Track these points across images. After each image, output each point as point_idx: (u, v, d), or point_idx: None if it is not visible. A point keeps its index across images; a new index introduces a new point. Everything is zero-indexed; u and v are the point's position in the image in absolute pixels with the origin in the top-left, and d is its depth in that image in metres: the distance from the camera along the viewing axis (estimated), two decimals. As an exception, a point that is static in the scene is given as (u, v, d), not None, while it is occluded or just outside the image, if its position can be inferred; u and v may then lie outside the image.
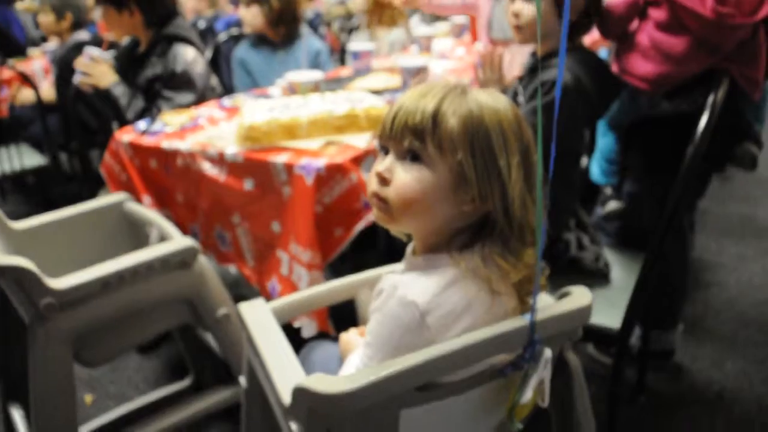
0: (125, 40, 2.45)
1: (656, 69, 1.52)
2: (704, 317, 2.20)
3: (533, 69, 1.53)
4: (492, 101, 0.79)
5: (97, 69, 2.24)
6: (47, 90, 3.25)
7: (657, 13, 1.52)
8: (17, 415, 1.60)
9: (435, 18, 3.81)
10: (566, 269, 1.53)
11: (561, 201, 1.53)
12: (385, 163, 0.80)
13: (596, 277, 1.57)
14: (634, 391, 1.83)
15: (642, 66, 1.54)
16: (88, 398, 1.95)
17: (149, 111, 2.21)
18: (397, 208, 0.79)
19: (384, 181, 0.80)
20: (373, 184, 0.81)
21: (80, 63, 2.25)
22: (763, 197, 3.21)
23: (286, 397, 0.80)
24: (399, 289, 0.77)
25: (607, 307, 1.46)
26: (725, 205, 3.13)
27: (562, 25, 1.52)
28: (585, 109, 1.47)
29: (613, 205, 1.69)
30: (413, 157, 0.78)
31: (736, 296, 2.32)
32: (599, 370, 1.92)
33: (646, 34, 1.54)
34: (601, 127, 1.80)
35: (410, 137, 0.77)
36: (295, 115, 1.67)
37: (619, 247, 1.70)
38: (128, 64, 2.33)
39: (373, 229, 1.55)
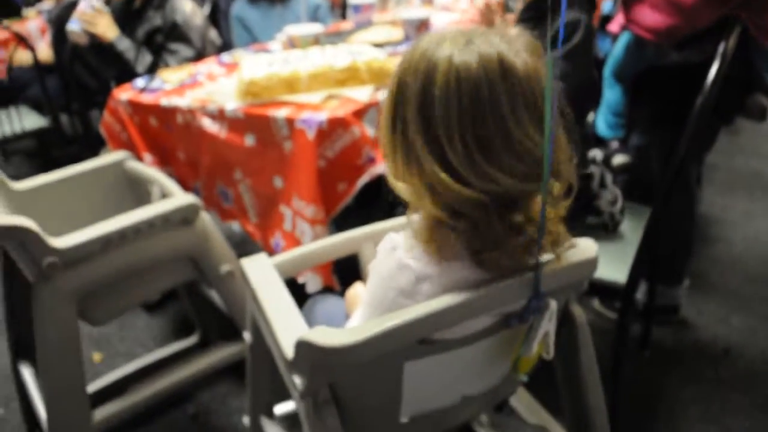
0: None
1: (666, 21, 1.47)
2: (710, 273, 2.19)
3: (542, 14, 1.47)
4: (449, 53, 0.69)
5: (103, 20, 2.16)
6: (44, 51, 3.20)
7: None
8: (27, 373, 1.62)
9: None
10: (579, 211, 1.51)
11: (582, 136, 1.51)
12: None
13: (603, 231, 1.55)
14: (638, 345, 1.84)
15: (651, 17, 1.49)
16: (97, 356, 1.97)
17: (157, 66, 2.17)
18: (396, 180, 0.78)
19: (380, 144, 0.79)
20: None
21: (81, 13, 2.15)
22: (772, 152, 3.18)
23: (289, 351, 0.79)
24: (397, 250, 0.76)
25: (613, 261, 1.45)
26: (733, 160, 3.09)
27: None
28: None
29: (619, 158, 1.66)
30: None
31: (742, 252, 2.31)
32: (604, 324, 1.93)
33: None
34: (607, 79, 1.76)
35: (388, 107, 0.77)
36: (295, 68, 1.64)
37: (625, 201, 1.68)
38: (124, 19, 2.27)
39: (378, 183, 1.53)
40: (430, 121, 0.68)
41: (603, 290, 1.44)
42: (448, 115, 0.66)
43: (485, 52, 0.67)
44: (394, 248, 0.77)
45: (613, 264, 1.44)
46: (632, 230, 1.56)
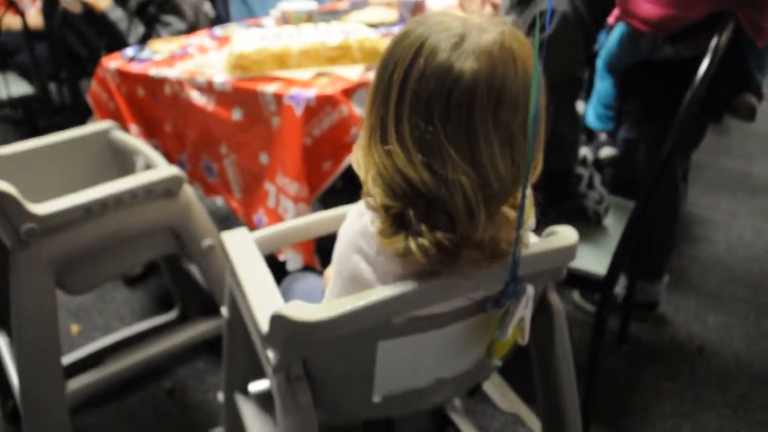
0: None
1: (660, 11, 1.46)
2: (691, 271, 2.21)
3: (521, 0, 1.47)
4: (414, 26, 0.69)
5: None
6: (34, 16, 3.14)
7: None
8: (1, 341, 1.61)
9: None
10: (567, 205, 1.52)
11: (570, 134, 1.51)
12: None
13: (588, 222, 1.56)
14: (616, 340, 1.85)
15: (645, 8, 1.48)
16: (75, 328, 1.96)
17: (149, 37, 2.14)
18: None
19: None
20: None
21: None
22: (759, 154, 3.19)
23: (264, 325, 0.79)
24: (364, 216, 0.76)
25: (595, 253, 1.46)
26: (720, 160, 3.11)
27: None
28: (583, 35, 1.44)
29: (607, 151, 1.66)
30: None
31: (724, 252, 2.33)
32: (583, 317, 1.94)
33: None
34: (599, 70, 1.75)
35: None
36: (286, 44, 1.62)
37: (611, 195, 1.68)
38: None
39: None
40: (421, 101, 0.66)
41: (583, 282, 1.45)
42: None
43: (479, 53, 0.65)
44: (361, 214, 0.77)
45: (595, 256, 1.45)
46: (615, 223, 1.57)
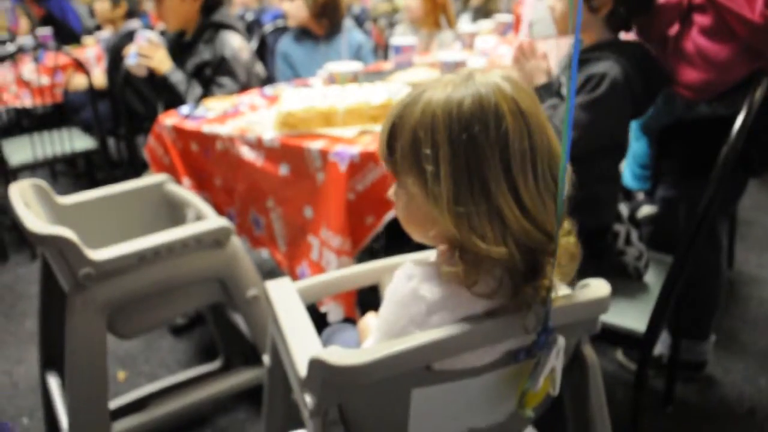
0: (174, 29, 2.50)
1: (700, 76, 1.49)
2: (740, 331, 2.15)
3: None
4: (447, 94, 0.72)
5: (158, 53, 2.26)
6: (99, 76, 3.36)
7: (702, 19, 1.49)
8: (53, 383, 1.67)
9: (481, 15, 3.81)
10: (605, 263, 1.52)
11: (608, 195, 1.52)
12: (392, 187, 0.83)
13: (630, 279, 1.55)
14: (662, 400, 1.80)
15: (686, 73, 1.52)
16: (121, 375, 2.02)
17: (205, 97, 2.25)
18: (408, 232, 0.83)
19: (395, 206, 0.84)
20: None
21: (139, 45, 2.25)
22: (809, 211, 3.11)
23: (303, 370, 0.82)
24: (413, 280, 0.78)
25: (636, 310, 1.45)
26: (769, 218, 3.04)
27: (597, 18, 1.49)
28: (632, 103, 1.45)
29: (646, 209, 1.66)
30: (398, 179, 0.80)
31: (775, 312, 2.26)
32: (627, 376, 1.90)
33: (691, 40, 1.51)
34: (634, 131, 1.77)
35: (385, 162, 0.80)
36: (332, 103, 1.70)
37: (652, 253, 1.67)
38: (175, 50, 2.38)
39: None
40: (508, 159, 0.70)
41: (624, 340, 1.43)
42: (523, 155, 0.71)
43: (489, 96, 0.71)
44: (410, 277, 0.78)
45: (635, 313, 1.43)
46: (657, 280, 1.55)
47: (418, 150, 0.72)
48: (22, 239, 3.01)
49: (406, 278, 0.79)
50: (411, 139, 0.73)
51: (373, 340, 0.83)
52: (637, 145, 1.77)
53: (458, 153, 0.70)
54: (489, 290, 0.74)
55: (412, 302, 0.77)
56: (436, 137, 0.71)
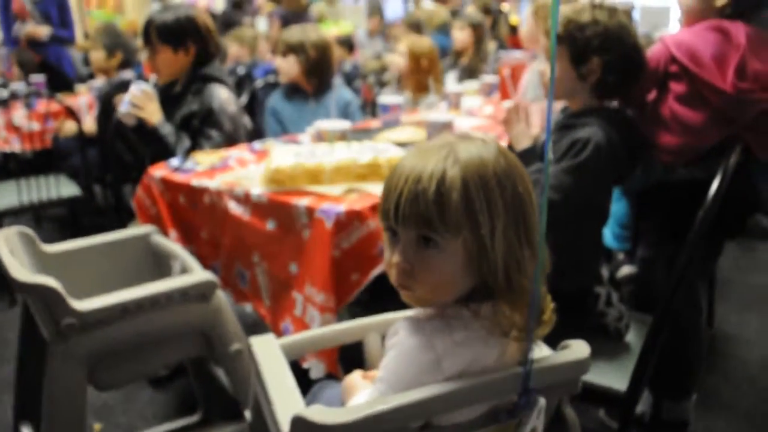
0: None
1: (676, 140, 1.56)
2: (722, 390, 2.16)
3: (562, 126, 1.54)
4: (477, 154, 0.79)
5: (151, 105, 2.29)
6: (89, 124, 3.39)
7: (677, 86, 1.56)
8: (26, 433, 1.64)
9: (467, 75, 3.91)
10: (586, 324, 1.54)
11: (590, 257, 1.54)
12: (401, 252, 0.80)
13: (611, 339, 1.56)
14: (644, 459, 1.80)
15: (663, 137, 1.58)
16: (97, 427, 1.97)
17: (193, 149, 2.28)
18: (424, 293, 0.82)
19: (406, 272, 0.81)
20: (394, 275, 0.82)
21: (132, 95, 2.27)
22: (788, 271, 3.16)
23: (286, 428, 0.82)
24: (420, 332, 0.80)
25: (617, 370, 1.46)
26: (749, 277, 3.09)
27: (584, 85, 1.54)
28: (615, 169, 1.48)
29: (626, 270, 1.70)
30: (426, 240, 0.79)
31: (757, 371, 2.27)
32: (608, 436, 1.89)
33: (667, 106, 1.58)
34: (615, 192, 1.82)
35: (420, 226, 0.78)
36: (320, 161, 1.74)
37: (632, 312, 1.70)
38: (164, 101, 2.40)
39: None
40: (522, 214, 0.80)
41: (606, 399, 1.44)
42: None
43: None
44: (431, 347, 0.79)
45: (616, 373, 1.45)
46: (638, 340, 1.57)
47: (472, 210, 0.76)
48: (1, 284, 2.97)
49: (426, 348, 0.79)
50: (462, 200, 0.76)
51: (378, 393, 0.82)
52: (617, 205, 1.82)
53: (508, 207, 0.78)
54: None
55: (422, 351, 0.79)
56: (489, 195, 0.77)
